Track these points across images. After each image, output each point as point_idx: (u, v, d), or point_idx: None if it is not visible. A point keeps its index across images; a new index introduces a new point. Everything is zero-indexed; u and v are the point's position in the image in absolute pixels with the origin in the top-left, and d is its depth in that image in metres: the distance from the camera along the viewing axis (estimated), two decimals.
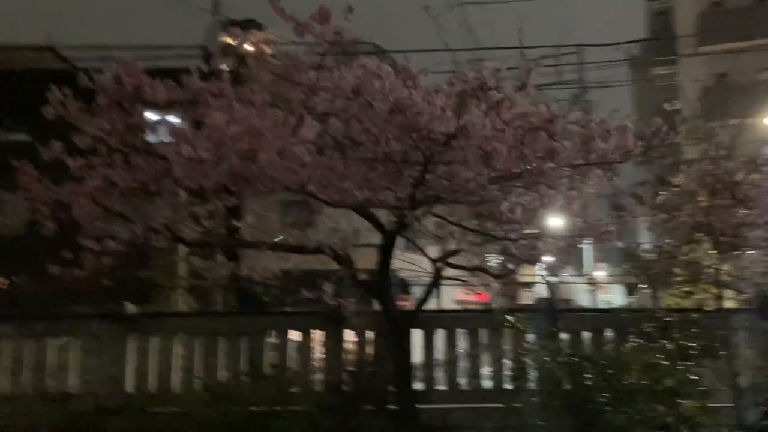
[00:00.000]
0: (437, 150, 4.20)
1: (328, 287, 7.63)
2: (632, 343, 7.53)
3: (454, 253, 7.70)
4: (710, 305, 8.25)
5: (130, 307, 8.56)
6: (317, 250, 7.17)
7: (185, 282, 13.24)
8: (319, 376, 8.21)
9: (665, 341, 7.49)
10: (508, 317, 7.43)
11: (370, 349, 8.28)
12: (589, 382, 6.47)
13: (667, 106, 17.54)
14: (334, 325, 8.33)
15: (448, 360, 8.35)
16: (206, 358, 8.22)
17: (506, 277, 7.51)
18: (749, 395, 7.53)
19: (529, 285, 24.79)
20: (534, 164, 4.59)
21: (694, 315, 7.87)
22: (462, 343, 8.39)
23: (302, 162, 4.65)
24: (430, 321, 8.24)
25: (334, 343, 8.30)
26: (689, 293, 9.35)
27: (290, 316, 8.59)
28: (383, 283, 7.31)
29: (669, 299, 10.25)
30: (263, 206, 8.04)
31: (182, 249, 10.50)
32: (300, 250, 7.06)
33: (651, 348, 6.68)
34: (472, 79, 4.21)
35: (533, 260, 6.69)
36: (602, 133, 4.73)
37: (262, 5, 5.25)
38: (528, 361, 7.72)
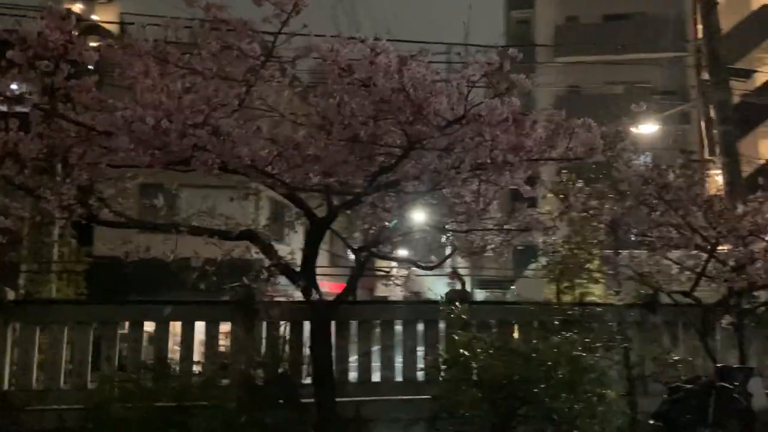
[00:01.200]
0: (429, 135, 4.05)
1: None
2: (540, 336, 7.83)
3: (377, 243, 7.59)
4: (594, 299, 8.76)
5: (10, 294, 7.61)
6: (242, 236, 6.78)
7: (58, 266, 12.02)
8: (231, 369, 7.75)
9: (568, 333, 7.88)
10: (450, 308, 7.35)
11: (285, 341, 7.94)
12: (502, 373, 6.56)
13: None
14: (246, 315, 7.91)
15: (363, 352, 8.23)
16: (106, 350, 7.48)
17: (434, 269, 7.49)
18: (643, 385, 8.08)
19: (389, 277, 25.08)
20: (500, 157, 4.57)
21: (594, 309, 8.32)
22: (378, 335, 8.30)
23: (272, 138, 4.32)
24: (345, 312, 8.05)
25: (246, 334, 7.87)
26: (570, 288, 9.91)
27: (198, 306, 8.01)
28: (309, 272, 7.03)
29: (549, 293, 10.81)
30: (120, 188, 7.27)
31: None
32: (224, 235, 6.60)
33: (564, 340, 6.91)
34: (485, 64, 4.10)
35: (472, 252, 6.71)
36: (567, 130, 4.80)
37: None
38: (442, 353, 7.79)
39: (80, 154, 5.46)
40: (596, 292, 9.91)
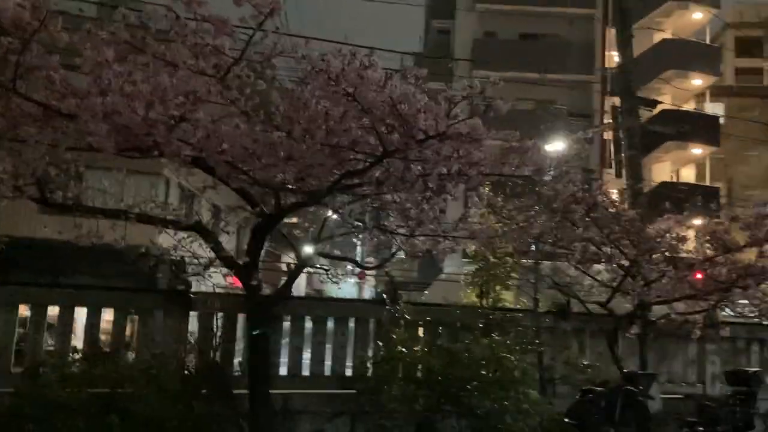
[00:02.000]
0: (407, 146, 4.35)
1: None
2: (465, 337, 8.31)
3: (318, 241, 7.84)
4: (506, 305, 9.31)
5: None
6: (191, 228, 6.85)
7: None
8: (163, 359, 7.74)
9: (491, 336, 8.40)
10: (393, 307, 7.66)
11: (218, 332, 8.02)
12: (439, 371, 6.98)
13: None
14: (180, 305, 7.95)
15: (294, 346, 8.43)
16: (33, 335, 7.32)
17: (374, 270, 7.80)
18: (556, 386, 8.72)
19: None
20: (468, 170, 4.94)
21: (515, 314, 8.90)
22: (311, 331, 8.52)
23: (253, 138, 4.48)
24: (279, 307, 8.22)
25: (179, 324, 7.90)
26: (486, 293, 10.49)
27: (132, 294, 7.96)
28: (253, 266, 7.17)
29: (469, 297, 11.36)
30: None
31: None
32: (176, 224, 6.66)
33: (492, 342, 7.40)
34: (468, 87, 4.44)
35: (415, 255, 7.08)
36: (519, 149, 5.23)
37: None
38: (374, 350, 8.12)
39: (38, 136, 5.42)
40: (508, 299, 10.53)
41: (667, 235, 7.08)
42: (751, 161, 44.03)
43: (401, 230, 6.29)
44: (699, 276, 7.75)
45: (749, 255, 7.26)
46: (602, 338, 9.50)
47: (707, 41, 33.13)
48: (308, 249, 8.35)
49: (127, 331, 7.93)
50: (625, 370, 7.94)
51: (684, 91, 30.73)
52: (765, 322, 10.05)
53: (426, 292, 23.93)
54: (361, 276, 26.75)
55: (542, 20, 30.84)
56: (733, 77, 46.14)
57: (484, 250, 8.00)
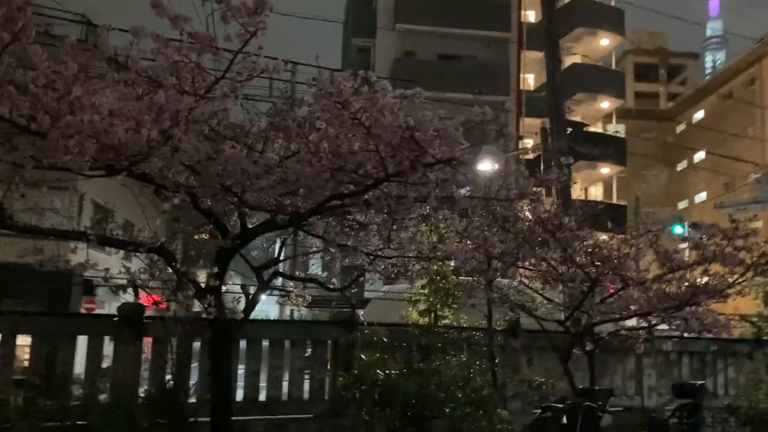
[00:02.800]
0: (413, 171, 4.32)
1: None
2: (423, 357, 8.34)
3: (278, 261, 7.68)
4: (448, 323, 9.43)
5: None
6: (152, 250, 6.54)
7: None
8: (115, 388, 7.34)
9: (451, 355, 8.47)
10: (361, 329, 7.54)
11: (174, 358, 7.68)
12: (414, 392, 6.95)
13: None
14: (132, 331, 7.57)
15: (252, 371, 8.18)
16: None
17: (342, 291, 7.69)
18: (508, 403, 8.86)
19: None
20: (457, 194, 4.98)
21: (472, 333, 9.01)
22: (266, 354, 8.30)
23: (253, 159, 4.33)
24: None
25: (130, 350, 7.52)
26: (428, 311, 10.59)
27: (81, 320, 7.50)
28: (217, 287, 6.92)
29: (413, 316, 11.42)
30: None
31: None
32: (137, 246, 6.35)
33: (461, 363, 7.46)
34: (480, 114, 4.47)
35: (388, 277, 7.03)
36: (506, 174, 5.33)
37: None
38: (343, 373, 8.00)
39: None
40: (450, 317, 10.65)
41: (625, 254, 7.37)
42: (650, 180, 46.80)
43: (377, 252, 6.24)
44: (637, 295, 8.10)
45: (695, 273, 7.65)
46: (550, 354, 9.76)
47: (613, 66, 34.95)
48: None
49: (77, 360, 7.44)
50: (580, 386, 8.17)
51: (594, 112, 32.27)
52: (692, 336, 10.68)
53: (361, 311, 23.78)
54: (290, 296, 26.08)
55: (460, 42, 31.65)
56: (632, 101, 48.95)
57: (436, 269, 8.06)
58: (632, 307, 7.75)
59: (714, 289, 7.08)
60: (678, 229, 24.65)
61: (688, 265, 7.50)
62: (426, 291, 9.10)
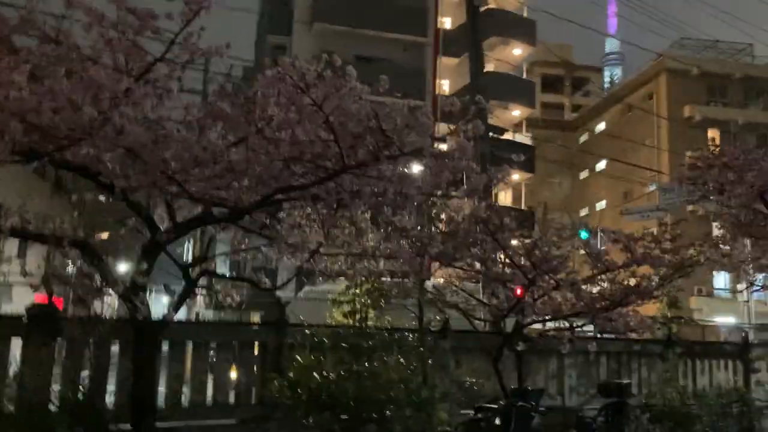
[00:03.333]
0: (374, 163, 4.12)
1: None
2: (353, 358, 8.13)
3: (204, 260, 7.30)
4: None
5: None
6: (73, 244, 6.03)
7: None
8: (22, 395, 6.73)
9: (382, 356, 8.30)
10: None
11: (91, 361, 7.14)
12: (352, 395, 6.74)
13: None
14: (44, 332, 6.97)
15: (175, 374, 7.72)
16: None
17: (278, 290, 7.37)
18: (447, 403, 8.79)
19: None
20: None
21: (403, 334, 8.88)
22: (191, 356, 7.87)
23: (202, 145, 3.99)
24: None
25: (42, 353, 6.91)
26: (353, 312, 10.46)
27: None
28: (141, 287, 6.47)
29: (337, 317, 11.23)
30: None
31: None
32: (57, 242, 5.83)
33: (397, 364, 7.31)
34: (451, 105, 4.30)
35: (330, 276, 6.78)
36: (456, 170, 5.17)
37: None
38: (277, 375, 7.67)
39: None
40: (374, 318, 10.52)
41: (558, 255, 7.44)
42: (554, 188, 48.43)
43: (317, 248, 5.98)
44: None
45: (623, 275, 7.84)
46: (477, 355, 9.79)
47: (524, 76, 35.92)
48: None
49: None
50: (512, 386, 8.20)
51: (506, 120, 33.03)
52: (608, 336, 11.02)
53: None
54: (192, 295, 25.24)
55: (377, 45, 31.66)
56: (539, 110, 50.55)
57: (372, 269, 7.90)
58: (563, 308, 7.84)
59: (645, 290, 7.25)
60: (584, 235, 25.65)
61: (618, 266, 7.67)
62: (358, 291, 8.92)
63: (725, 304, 33.89)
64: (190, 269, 7.13)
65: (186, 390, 7.84)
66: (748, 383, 12.23)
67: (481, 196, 5.82)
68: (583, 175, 48.51)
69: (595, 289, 7.95)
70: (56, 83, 4.20)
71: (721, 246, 9.39)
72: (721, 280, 35.78)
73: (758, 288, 12.76)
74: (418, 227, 7.68)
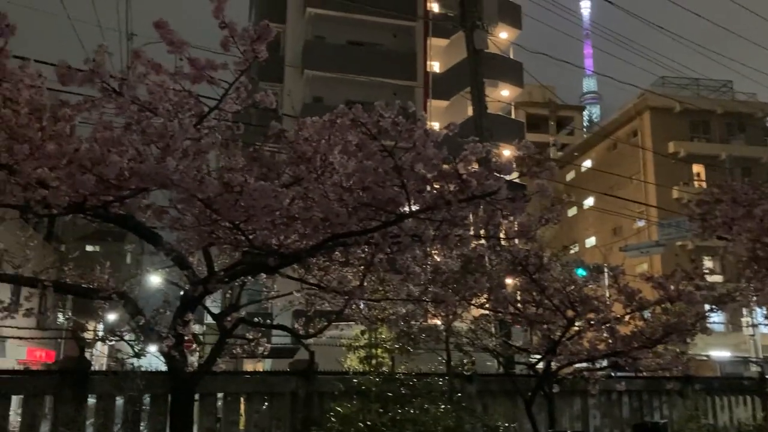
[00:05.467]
0: (441, 206, 4.08)
1: None
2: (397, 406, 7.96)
3: (236, 308, 7.18)
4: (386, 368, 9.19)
5: None
6: (110, 297, 5.90)
7: None
8: None
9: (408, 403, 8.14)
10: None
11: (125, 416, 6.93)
12: None
13: None
14: (73, 387, 6.77)
15: (206, 428, 7.51)
16: None
17: (313, 337, 7.24)
18: None
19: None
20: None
21: (434, 379, 8.73)
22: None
23: (273, 193, 3.92)
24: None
25: (72, 410, 6.70)
26: (367, 358, 10.29)
27: (15, 376, 6.63)
28: (178, 338, 6.33)
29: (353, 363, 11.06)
30: None
31: None
32: (95, 292, 5.73)
33: (438, 411, 7.17)
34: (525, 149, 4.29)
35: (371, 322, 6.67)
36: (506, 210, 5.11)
37: None
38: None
39: None
40: (387, 362, 10.36)
41: (598, 295, 7.41)
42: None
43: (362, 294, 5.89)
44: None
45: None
46: (503, 399, 9.66)
47: (513, 116, 36.39)
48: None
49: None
50: (551, 430, 8.06)
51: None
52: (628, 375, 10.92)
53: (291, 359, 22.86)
54: (188, 345, 24.79)
55: (369, 30, 32.93)
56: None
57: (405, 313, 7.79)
58: (600, 347, 7.76)
59: (684, 328, 7.21)
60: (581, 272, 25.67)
61: (652, 304, 7.63)
62: (384, 336, 8.79)
63: (719, 338, 33.94)
64: (222, 318, 7.02)
65: None
66: (767, 419, 12.15)
67: (528, 238, 5.77)
68: (572, 212, 48.80)
69: (628, 329, 7.89)
70: (124, 134, 4.16)
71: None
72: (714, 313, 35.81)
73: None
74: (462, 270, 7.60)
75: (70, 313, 30.95)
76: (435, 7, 31.14)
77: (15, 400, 6.57)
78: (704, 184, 37.49)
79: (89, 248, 45.91)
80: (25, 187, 4.37)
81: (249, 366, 22.52)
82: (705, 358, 28.39)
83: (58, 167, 4.15)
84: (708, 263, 10.64)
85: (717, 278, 22.36)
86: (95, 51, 4.18)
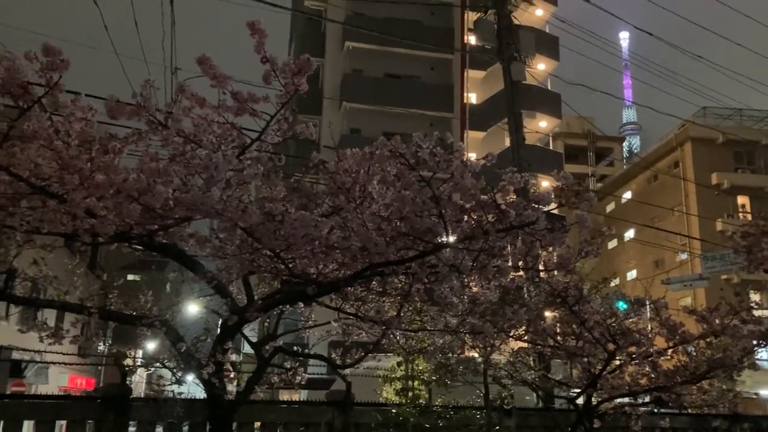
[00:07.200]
0: (483, 235, 4.11)
1: None
2: None
3: (275, 337, 7.23)
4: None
5: None
6: (154, 325, 6.01)
7: None
8: None
9: None
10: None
11: None
12: None
13: None
14: (115, 413, 6.87)
15: None
16: None
17: (350, 367, 7.24)
18: None
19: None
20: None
21: (472, 412, 8.65)
22: None
23: (314, 223, 4.00)
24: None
25: None
26: (404, 390, 10.20)
27: (58, 402, 6.76)
28: (217, 366, 6.39)
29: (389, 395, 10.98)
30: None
31: None
32: (138, 319, 5.84)
33: None
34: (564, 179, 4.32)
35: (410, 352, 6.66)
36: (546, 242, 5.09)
37: None
38: None
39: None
40: (424, 394, 10.26)
41: (640, 329, 7.28)
42: (583, 259, 47.96)
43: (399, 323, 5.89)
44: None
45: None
46: None
47: (551, 147, 36.24)
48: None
49: None
50: None
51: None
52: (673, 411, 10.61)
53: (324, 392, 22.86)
54: (226, 374, 24.88)
55: (406, 62, 33.27)
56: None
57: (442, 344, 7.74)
58: (641, 381, 7.59)
59: (729, 363, 7.03)
60: (622, 306, 25.18)
61: (695, 338, 7.46)
62: (421, 367, 8.74)
63: None
64: (261, 346, 7.08)
65: None
66: None
67: (567, 270, 5.73)
68: (612, 244, 48.01)
69: (671, 363, 7.72)
70: (170, 165, 4.29)
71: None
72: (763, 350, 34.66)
73: None
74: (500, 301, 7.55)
75: (110, 341, 31.55)
76: (472, 40, 31.34)
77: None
78: (749, 216, 36.66)
79: (130, 277, 46.95)
80: (74, 216, 4.53)
81: (285, 395, 22.51)
82: (754, 396, 27.44)
83: (105, 197, 4.29)
84: (755, 297, 10.32)
85: (765, 312, 21.78)
86: (142, 85, 4.35)
